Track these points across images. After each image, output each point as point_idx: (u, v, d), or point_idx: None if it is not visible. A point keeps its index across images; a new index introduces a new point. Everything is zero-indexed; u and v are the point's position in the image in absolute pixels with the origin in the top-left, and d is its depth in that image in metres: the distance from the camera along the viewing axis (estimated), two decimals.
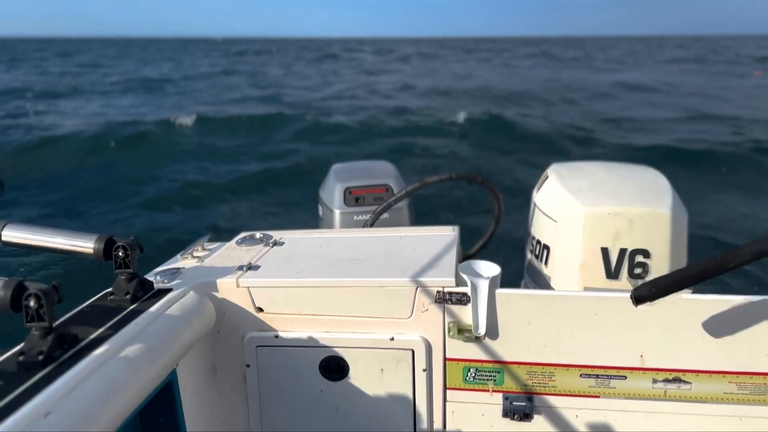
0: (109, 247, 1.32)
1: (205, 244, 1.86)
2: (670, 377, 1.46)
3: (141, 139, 11.95)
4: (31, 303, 1.05)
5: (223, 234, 2.07)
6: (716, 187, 8.00)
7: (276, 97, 19.83)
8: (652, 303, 1.34)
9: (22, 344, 1.08)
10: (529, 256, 2.20)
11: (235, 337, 1.57)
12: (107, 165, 10.06)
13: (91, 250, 1.33)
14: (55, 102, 18.47)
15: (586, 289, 1.86)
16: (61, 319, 1.25)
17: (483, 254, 2.35)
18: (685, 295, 1.42)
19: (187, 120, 13.65)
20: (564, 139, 11.79)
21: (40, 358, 1.05)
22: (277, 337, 1.55)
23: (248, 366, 1.58)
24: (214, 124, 13.82)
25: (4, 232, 1.36)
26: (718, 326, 1.41)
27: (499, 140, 11.64)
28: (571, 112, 15.60)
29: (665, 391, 1.47)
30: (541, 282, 2.07)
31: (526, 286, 2.25)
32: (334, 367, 1.54)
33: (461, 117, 13.92)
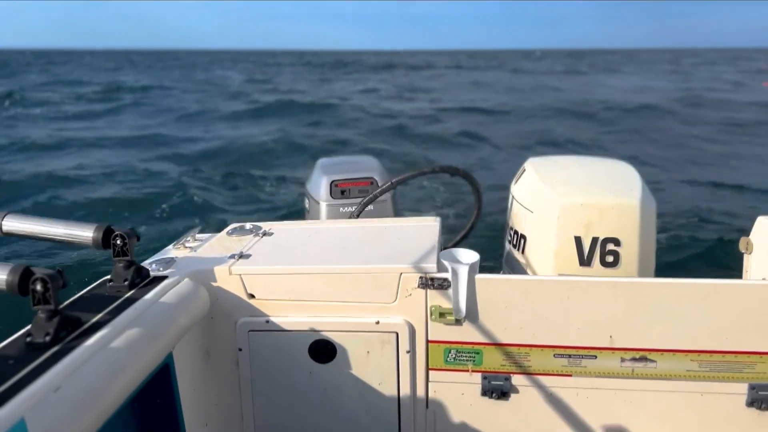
0: (107, 236, 1.39)
1: (196, 235, 1.92)
2: (637, 356, 1.56)
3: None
4: (38, 287, 1.11)
5: (211, 226, 2.13)
6: None
7: None
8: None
9: (28, 326, 1.14)
10: (507, 245, 2.30)
11: (228, 323, 1.64)
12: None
13: (89, 240, 1.39)
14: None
15: (560, 275, 1.96)
16: (64, 304, 1.31)
17: (463, 244, 2.45)
18: (648, 280, 1.53)
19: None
20: None
21: (47, 339, 1.11)
22: (268, 322, 1.62)
23: (240, 350, 1.65)
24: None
25: (4, 223, 1.42)
26: (682, 308, 1.51)
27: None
28: None
29: (633, 369, 1.57)
30: (518, 270, 2.16)
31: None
32: (323, 350, 1.62)
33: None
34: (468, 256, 1.62)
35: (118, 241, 1.39)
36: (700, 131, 14.00)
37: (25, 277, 1.11)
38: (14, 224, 1.41)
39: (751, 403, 1.56)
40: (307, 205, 2.79)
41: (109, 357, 1.15)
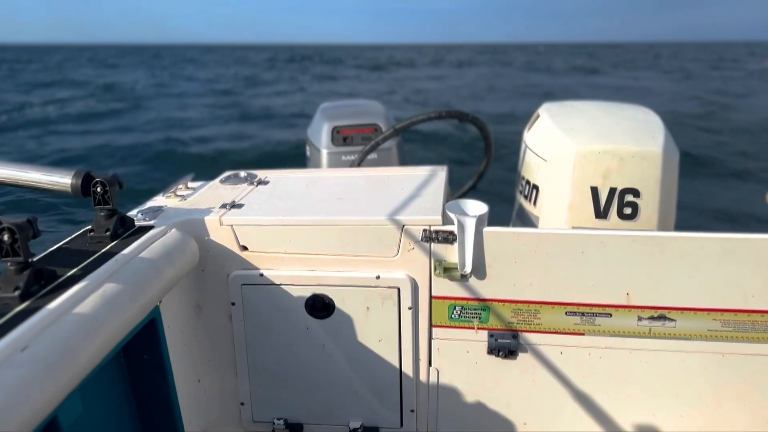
0: (87, 183, 1.29)
1: (189, 183, 1.82)
2: (656, 315, 1.46)
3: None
4: (5, 237, 1.02)
5: (206, 173, 2.03)
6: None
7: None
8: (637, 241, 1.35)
9: None
10: (518, 197, 2.18)
11: (219, 276, 1.56)
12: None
13: (68, 187, 1.29)
14: None
15: (574, 228, 1.85)
16: (39, 256, 1.22)
17: (472, 194, 2.33)
18: (670, 234, 1.41)
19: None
20: None
21: (17, 293, 1.03)
22: (261, 275, 1.53)
23: (233, 304, 1.57)
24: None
25: None
26: (703, 265, 1.41)
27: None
28: None
29: (650, 329, 1.48)
30: (529, 223, 2.05)
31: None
32: (320, 306, 1.54)
33: None
34: (475, 207, 1.51)
35: (99, 189, 1.29)
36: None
37: None
38: None
39: None
40: (308, 153, 2.67)
41: (86, 312, 1.07)
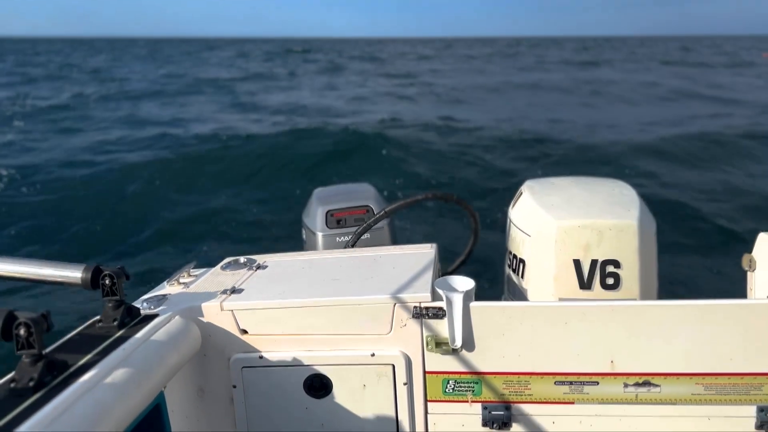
0: (96, 276, 1.38)
1: (191, 270, 1.91)
2: (640, 381, 1.52)
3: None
4: (21, 332, 1.10)
5: (208, 261, 2.12)
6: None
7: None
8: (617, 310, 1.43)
9: (14, 372, 1.13)
10: (507, 270, 2.27)
11: (221, 360, 1.62)
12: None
13: (78, 280, 1.38)
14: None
15: (560, 300, 1.93)
16: (51, 347, 1.29)
17: (463, 271, 2.42)
18: (648, 302, 1.49)
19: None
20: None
21: (31, 384, 1.10)
22: (261, 357, 1.59)
23: (235, 387, 1.62)
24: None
25: None
26: (684, 330, 1.48)
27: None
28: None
29: (636, 395, 1.53)
30: (519, 295, 2.13)
31: (506, 300, 2.32)
32: (318, 385, 1.59)
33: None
34: (463, 283, 1.59)
35: (107, 281, 1.38)
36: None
37: (8, 322, 1.10)
38: (2, 267, 1.40)
39: (760, 426, 1.51)
40: (304, 236, 2.78)
41: (96, 399, 1.13)
